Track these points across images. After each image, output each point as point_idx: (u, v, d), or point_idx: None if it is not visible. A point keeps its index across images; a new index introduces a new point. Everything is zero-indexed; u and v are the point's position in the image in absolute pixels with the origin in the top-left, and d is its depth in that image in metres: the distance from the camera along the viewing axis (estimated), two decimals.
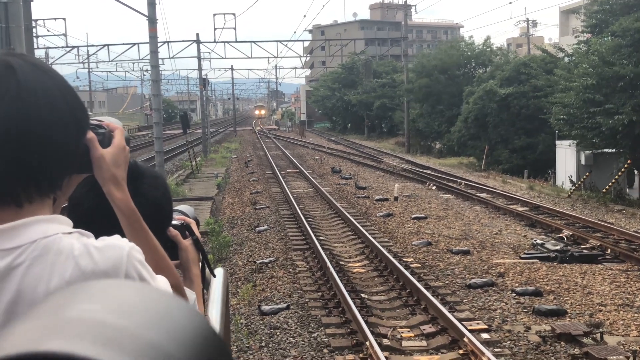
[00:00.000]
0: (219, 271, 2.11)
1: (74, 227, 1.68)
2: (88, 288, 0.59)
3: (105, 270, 1.15)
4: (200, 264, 1.89)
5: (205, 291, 2.21)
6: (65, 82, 1.23)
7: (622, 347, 7.54)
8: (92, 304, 0.53)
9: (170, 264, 1.56)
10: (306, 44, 77.71)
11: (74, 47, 46.48)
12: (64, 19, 44.79)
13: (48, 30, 45.54)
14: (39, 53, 53.32)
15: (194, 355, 0.51)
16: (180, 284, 1.59)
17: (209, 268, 2.14)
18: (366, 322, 8.26)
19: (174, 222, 1.87)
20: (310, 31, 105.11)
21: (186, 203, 18.63)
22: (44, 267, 1.13)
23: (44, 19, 46.16)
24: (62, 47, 45.86)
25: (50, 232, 1.16)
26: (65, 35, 46.14)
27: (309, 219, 15.79)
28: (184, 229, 1.87)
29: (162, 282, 1.33)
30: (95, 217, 1.53)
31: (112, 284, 0.61)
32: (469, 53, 41.48)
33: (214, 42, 42.82)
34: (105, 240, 1.20)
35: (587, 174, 21.38)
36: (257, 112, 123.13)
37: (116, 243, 1.20)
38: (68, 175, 1.26)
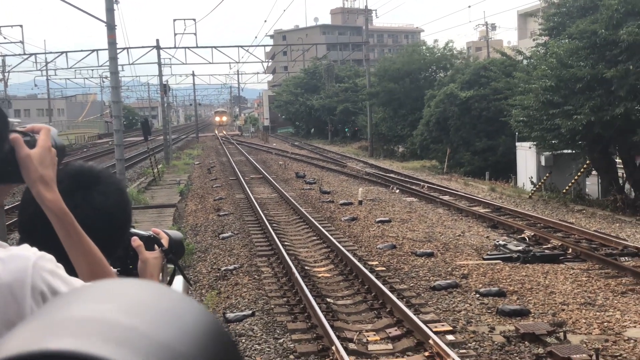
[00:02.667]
0: (178, 279, 2.07)
1: (21, 228, 1.64)
2: (98, 287, 0.58)
3: (8, 282, 1.09)
4: (161, 276, 1.85)
5: None
6: None
7: (585, 345, 7.63)
8: (102, 303, 0.52)
9: (109, 269, 1.50)
10: (268, 49, 77.71)
11: (31, 54, 45.80)
12: (21, 26, 44.11)
13: (4, 38, 44.76)
14: None
15: (205, 354, 0.50)
16: None
17: (185, 277, 2.11)
18: (332, 326, 8.24)
19: (141, 232, 1.84)
20: (271, 36, 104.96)
21: (148, 211, 18.46)
22: None
23: (0, 26, 45.43)
24: (20, 54, 45.16)
25: None
26: (22, 42, 45.44)
27: (274, 225, 15.74)
28: (152, 241, 1.84)
29: None
30: (38, 222, 1.48)
31: (122, 283, 0.60)
32: (429, 57, 41.81)
33: (175, 47, 42.60)
34: (10, 250, 1.14)
35: (547, 174, 21.69)
36: (217, 118, 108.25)
37: (21, 253, 1.14)
38: None
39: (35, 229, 1.53)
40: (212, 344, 0.52)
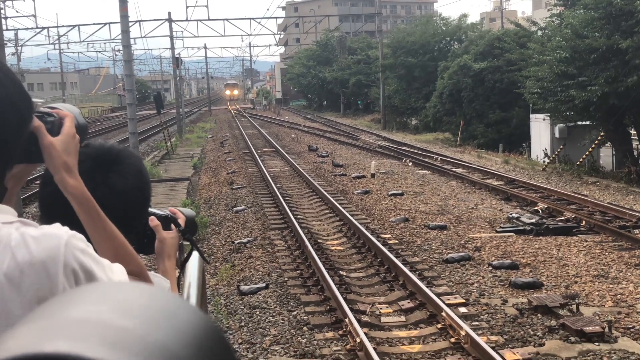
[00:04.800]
0: (194, 257, 2.10)
1: (42, 207, 1.67)
2: (93, 289, 0.58)
3: (42, 260, 1.13)
4: (178, 255, 1.88)
5: (182, 275, 2.21)
6: (6, 68, 1.20)
7: (597, 317, 7.65)
8: (97, 304, 0.53)
9: (132, 251, 1.53)
10: (280, 21, 77.23)
11: (44, 28, 45.84)
12: None
13: (17, 12, 44.89)
14: (8, 35, 52.54)
15: (200, 355, 0.51)
16: (144, 271, 1.55)
17: (201, 255, 2.14)
18: (345, 299, 8.30)
19: (158, 212, 1.86)
20: (283, 8, 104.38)
21: (161, 184, 18.56)
22: None
23: (12, 0, 45.37)
24: (32, 28, 45.20)
25: None
26: (34, 16, 45.50)
27: (287, 198, 15.78)
28: (169, 220, 1.86)
29: (117, 270, 1.30)
30: (58, 200, 1.51)
31: (117, 285, 0.60)
32: (444, 28, 41.43)
33: (186, 20, 42.49)
34: (43, 229, 1.17)
35: (561, 146, 21.57)
36: (227, 92, 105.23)
37: (54, 232, 1.17)
38: (10, 166, 1.23)
39: (55, 207, 1.56)
40: (207, 345, 0.52)
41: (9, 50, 52.00)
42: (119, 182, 1.67)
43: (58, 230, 1.18)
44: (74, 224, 1.35)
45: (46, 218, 1.57)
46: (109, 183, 1.65)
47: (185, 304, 0.56)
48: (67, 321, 0.51)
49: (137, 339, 0.49)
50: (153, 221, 1.81)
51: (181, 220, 1.88)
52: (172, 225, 1.85)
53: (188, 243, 1.96)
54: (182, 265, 2.06)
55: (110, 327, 0.50)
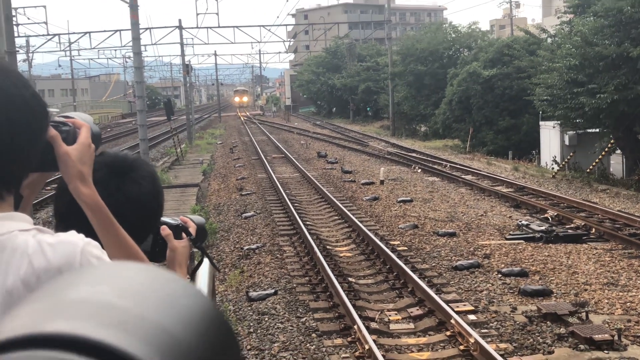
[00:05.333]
0: (205, 264, 2.12)
1: (58, 215, 1.70)
2: (93, 270, 0.58)
3: (58, 267, 1.15)
4: (188, 264, 1.90)
5: (192, 283, 2.23)
6: (23, 79, 1.21)
7: (607, 325, 7.62)
8: (97, 285, 0.53)
9: (144, 259, 1.55)
10: (289, 28, 77.48)
11: (55, 35, 46.06)
12: (45, 6, 44.38)
13: (28, 19, 45.24)
14: (19, 42, 52.91)
15: (201, 338, 0.51)
16: None
17: (212, 263, 2.16)
18: (354, 306, 8.29)
19: (170, 221, 1.88)
20: (293, 15, 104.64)
21: (171, 190, 18.61)
22: (0, 265, 1.14)
23: (24, 7, 45.79)
24: (43, 35, 45.46)
25: (5, 229, 1.16)
26: (46, 23, 45.77)
27: (296, 204, 15.80)
28: (180, 229, 1.88)
29: None
30: (73, 208, 1.53)
31: (117, 266, 0.60)
32: (454, 35, 41.42)
33: (197, 27, 42.68)
34: (59, 236, 1.19)
35: (571, 154, 21.52)
36: (237, 98, 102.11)
37: (70, 239, 1.19)
38: (26, 174, 1.25)
39: (70, 216, 1.58)
40: (208, 328, 0.52)
41: (20, 57, 52.34)
42: (133, 190, 1.69)
43: (74, 238, 1.20)
44: (89, 232, 1.38)
45: (62, 226, 1.59)
46: (124, 191, 1.67)
47: (188, 287, 0.55)
48: (68, 302, 0.51)
49: (137, 320, 0.49)
50: (165, 230, 1.83)
51: (192, 229, 1.90)
52: (183, 234, 1.87)
53: (198, 251, 1.97)
54: (192, 273, 2.08)
55: (111, 307, 0.50)
